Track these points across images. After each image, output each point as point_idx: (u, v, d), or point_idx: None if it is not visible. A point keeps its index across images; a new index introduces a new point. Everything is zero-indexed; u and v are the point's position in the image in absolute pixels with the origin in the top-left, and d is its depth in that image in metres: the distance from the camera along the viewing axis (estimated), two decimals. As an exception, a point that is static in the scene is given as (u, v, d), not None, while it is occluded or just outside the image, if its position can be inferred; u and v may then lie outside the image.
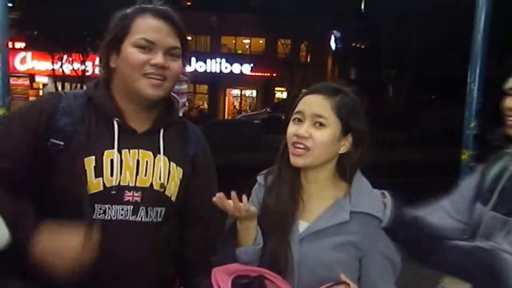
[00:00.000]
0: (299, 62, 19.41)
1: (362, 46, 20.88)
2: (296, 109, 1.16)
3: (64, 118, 1.15)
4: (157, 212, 1.19)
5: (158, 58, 1.14)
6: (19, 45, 17.62)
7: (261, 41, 23.01)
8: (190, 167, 1.24)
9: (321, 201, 1.16)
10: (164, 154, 1.20)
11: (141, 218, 1.17)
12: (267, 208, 1.16)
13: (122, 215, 1.15)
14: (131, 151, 1.17)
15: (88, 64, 16.93)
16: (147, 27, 1.15)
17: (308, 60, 19.72)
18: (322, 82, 1.19)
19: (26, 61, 17.83)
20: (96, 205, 1.13)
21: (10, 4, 4.58)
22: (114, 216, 1.14)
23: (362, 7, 19.18)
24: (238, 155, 9.74)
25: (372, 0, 18.02)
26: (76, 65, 17.06)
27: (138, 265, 1.17)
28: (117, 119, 1.17)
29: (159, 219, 1.20)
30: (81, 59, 16.84)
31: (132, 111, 1.19)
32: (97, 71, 17.19)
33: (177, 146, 1.24)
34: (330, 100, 1.13)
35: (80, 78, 16.44)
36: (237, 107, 24.81)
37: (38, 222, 1.05)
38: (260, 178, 1.24)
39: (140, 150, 1.18)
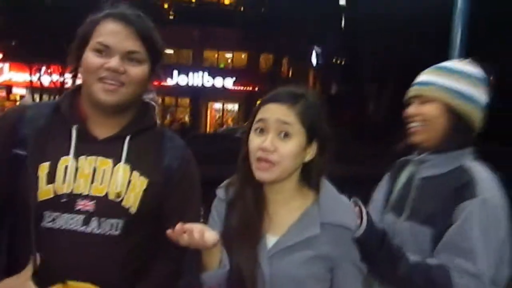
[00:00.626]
0: (281, 77, 19.57)
1: (343, 62, 21.20)
2: (258, 117, 1.10)
3: (27, 128, 1.12)
4: (112, 224, 1.11)
5: (112, 62, 1.10)
6: (-3, 55, 17.29)
7: (243, 56, 23.12)
8: (160, 178, 1.16)
9: (288, 213, 1.11)
10: (126, 162, 1.14)
11: (93, 229, 1.09)
12: (230, 224, 1.11)
13: (71, 224, 1.09)
14: (88, 158, 1.12)
15: (67, 76, 16.63)
16: (106, 31, 1.13)
17: (290, 74, 19.89)
18: (281, 88, 1.14)
19: (3, 72, 17.46)
20: (45, 212, 1.08)
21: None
22: (63, 225, 1.08)
23: (342, 23, 19.54)
24: (220, 167, 9.68)
25: (352, 17, 18.37)
26: (55, 77, 16.78)
27: (88, 281, 1.08)
28: (76, 125, 1.13)
29: (116, 232, 1.11)
30: (60, 70, 16.57)
31: (96, 117, 1.15)
32: (76, 83, 16.90)
33: (147, 154, 1.17)
34: (293, 108, 1.08)
35: (59, 90, 16.15)
36: (218, 121, 24.76)
37: None
38: (220, 192, 1.17)
39: (98, 157, 1.13)
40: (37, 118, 1.14)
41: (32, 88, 17.50)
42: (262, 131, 1.09)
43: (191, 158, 1.24)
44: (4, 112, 1.23)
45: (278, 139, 1.07)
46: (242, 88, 22.38)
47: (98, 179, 1.11)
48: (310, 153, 1.11)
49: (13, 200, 1.10)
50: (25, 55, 16.11)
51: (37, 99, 16.94)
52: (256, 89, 22.00)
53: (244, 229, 1.08)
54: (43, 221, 1.08)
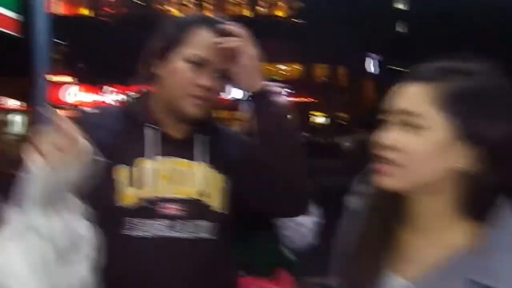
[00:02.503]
0: (337, 87, 19.29)
1: (402, 69, 20.53)
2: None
3: (102, 132, 1.06)
4: (198, 226, 1.05)
5: (206, 79, 1.05)
6: (68, 78, 18.60)
7: (297, 67, 23.11)
8: (233, 173, 1.11)
9: (430, 249, 0.72)
10: (203, 161, 1.09)
11: (180, 233, 1.03)
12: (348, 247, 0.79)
13: (157, 230, 1.03)
14: (166, 159, 1.07)
15: (129, 94, 17.57)
16: (204, 42, 1.06)
17: (346, 84, 19.56)
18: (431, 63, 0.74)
19: (74, 94, 18.69)
20: (127, 219, 1.02)
21: (58, 40, 4.88)
22: (148, 231, 1.02)
23: (401, 29, 18.95)
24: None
25: (411, 21, 17.77)
26: (118, 96, 17.75)
27: (181, 286, 1.04)
28: (150, 125, 1.08)
29: (204, 234, 1.06)
30: (123, 89, 17.53)
31: (167, 119, 1.10)
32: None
33: (218, 152, 1.12)
34: (430, 88, 0.69)
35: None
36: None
37: None
38: (351, 201, 0.83)
39: (176, 158, 1.08)
40: (108, 123, 1.10)
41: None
42: (386, 123, 0.74)
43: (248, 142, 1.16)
44: (77, 117, 1.18)
45: (403, 132, 0.70)
46: (296, 99, 22.33)
47: (179, 181, 1.06)
48: (466, 158, 0.68)
49: (95, 208, 1.03)
50: (93, 77, 17.23)
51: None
52: (311, 100, 21.86)
53: (363, 262, 0.75)
54: (126, 228, 1.02)
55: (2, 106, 14.98)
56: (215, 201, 1.08)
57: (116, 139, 1.06)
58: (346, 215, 0.83)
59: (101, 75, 16.91)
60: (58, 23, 4.94)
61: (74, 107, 19.79)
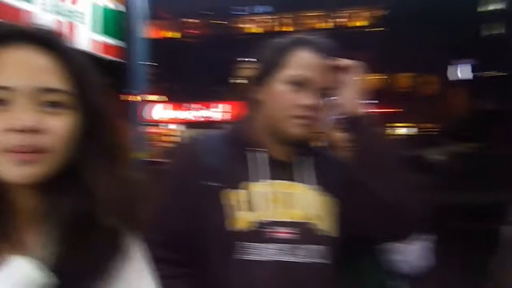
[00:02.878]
0: (422, 96, 18.37)
1: (495, 75, 18.97)
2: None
3: (209, 158, 1.07)
4: (315, 251, 1.04)
5: (310, 100, 1.04)
6: (155, 97, 19.92)
7: (381, 76, 22.42)
8: (340, 196, 1.09)
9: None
10: (313, 184, 1.08)
11: (297, 258, 1.02)
12: None
13: (272, 254, 1.01)
14: (278, 182, 1.06)
15: (214, 110, 18.34)
16: (303, 62, 1.05)
17: (432, 92, 18.55)
18: None
19: (162, 111, 19.93)
20: (241, 243, 1.00)
21: (149, 63, 5.29)
22: (263, 256, 1.00)
23: (489, 33, 17.60)
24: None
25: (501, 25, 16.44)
26: (203, 113, 18.59)
27: None
28: (256, 148, 1.08)
29: (320, 260, 1.04)
30: (207, 107, 18.33)
31: (271, 142, 1.10)
32: (220, 116, 18.64)
33: (325, 174, 1.10)
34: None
35: (206, 124, 17.83)
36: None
37: None
38: None
39: (286, 182, 1.07)
40: (217, 148, 1.10)
41: (186, 123, 19.63)
42: None
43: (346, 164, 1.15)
44: (181, 144, 1.23)
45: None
46: (380, 110, 21.59)
47: (289, 204, 1.05)
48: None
49: (204, 233, 1.04)
50: (178, 95, 18.28)
51: (191, 133, 18.89)
52: (395, 110, 21.02)
53: None
54: (242, 253, 1.01)
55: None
56: (326, 225, 1.06)
57: (224, 163, 1.06)
58: (502, 244, 0.86)
59: (186, 93, 17.87)
60: (149, 46, 5.33)
61: (160, 124, 21.14)
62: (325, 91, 1.07)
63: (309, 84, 1.04)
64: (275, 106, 1.06)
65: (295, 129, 1.05)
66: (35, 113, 0.60)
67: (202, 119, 18.45)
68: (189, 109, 18.87)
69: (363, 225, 1.08)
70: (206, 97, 18.13)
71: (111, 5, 4.95)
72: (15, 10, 3.47)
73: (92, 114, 0.65)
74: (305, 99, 1.04)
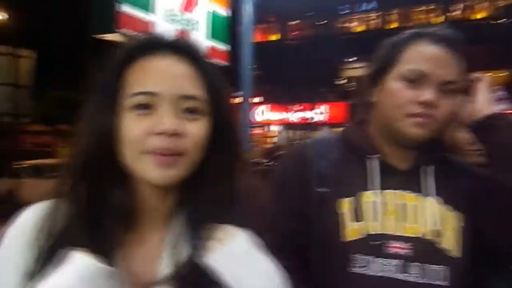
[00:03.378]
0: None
1: None
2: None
3: (322, 162, 1.02)
4: (435, 272, 0.92)
5: (428, 95, 0.93)
6: (257, 99, 20.40)
7: (504, 73, 20.25)
8: (470, 210, 0.97)
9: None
10: (435, 196, 0.96)
11: (415, 277, 0.92)
12: None
13: (390, 270, 0.92)
14: (393, 192, 0.97)
15: (315, 111, 18.18)
16: (420, 56, 0.96)
17: None
18: None
19: (263, 113, 20.36)
20: (354, 255, 0.94)
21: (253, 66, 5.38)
22: (378, 272, 0.93)
23: None
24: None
25: None
26: (304, 114, 18.54)
27: None
28: (372, 155, 1.00)
29: (442, 282, 0.92)
30: (309, 108, 18.23)
31: (389, 148, 1.01)
32: (320, 118, 18.45)
33: (451, 185, 0.98)
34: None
35: (306, 125, 17.75)
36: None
37: None
38: None
39: (403, 192, 0.97)
40: (328, 153, 1.04)
41: (284, 125, 19.78)
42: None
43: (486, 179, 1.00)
44: (292, 149, 1.18)
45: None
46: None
47: (409, 217, 0.96)
48: None
49: (312, 240, 0.99)
50: (280, 97, 18.48)
51: (290, 134, 19.01)
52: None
53: None
54: (353, 266, 0.94)
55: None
56: (450, 243, 0.94)
57: (337, 170, 1.00)
58: None
59: (287, 94, 17.99)
60: (255, 50, 5.40)
61: (264, 125, 21.61)
62: (446, 87, 0.94)
63: (427, 79, 0.94)
64: (390, 105, 0.97)
65: (412, 129, 0.94)
66: (176, 118, 0.64)
67: (305, 121, 18.43)
68: (292, 111, 18.98)
69: (498, 242, 0.94)
70: (309, 98, 18.06)
71: (222, 12, 5.12)
72: (139, 21, 3.75)
73: (221, 120, 0.68)
74: (422, 95, 0.93)
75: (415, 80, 0.94)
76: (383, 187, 0.98)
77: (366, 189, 0.97)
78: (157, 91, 0.64)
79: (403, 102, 0.95)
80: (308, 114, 18.46)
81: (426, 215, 0.95)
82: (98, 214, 0.64)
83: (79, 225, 0.63)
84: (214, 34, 5.07)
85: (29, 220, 0.66)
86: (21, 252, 0.64)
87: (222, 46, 5.18)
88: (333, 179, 1.00)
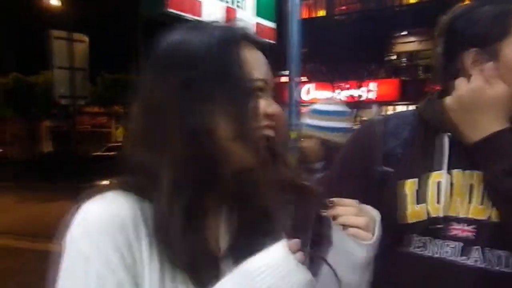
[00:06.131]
0: None
1: None
2: None
3: (392, 141, 1.00)
4: (499, 257, 0.89)
5: None
6: (303, 78, 20.12)
7: None
8: None
9: None
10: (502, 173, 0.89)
11: (476, 261, 0.89)
12: None
13: (447, 252, 0.91)
14: (465, 172, 0.93)
15: (363, 89, 17.68)
16: None
17: None
18: None
19: (309, 92, 20.07)
20: (412, 236, 0.93)
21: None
22: (437, 253, 0.91)
23: None
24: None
25: None
26: (353, 92, 18.07)
27: None
28: (447, 134, 0.95)
29: (505, 269, 0.88)
30: (358, 85, 17.74)
31: (471, 123, 0.93)
32: (369, 96, 17.91)
33: None
34: None
35: (356, 103, 17.33)
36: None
37: None
38: None
39: (476, 172, 0.92)
40: (400, 130, 1.01)
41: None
42: None
43: None
44: (361, 127, 1.17)
45: None
46: None
47: (477, 199, 0.92)
48: None
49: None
50: (327, 75, 18.10)
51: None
52: None
53: None
54: (410, 246, 0.94)
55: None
56: None
57: (406, 149, 0.97)
58: None
59: (334, 72, 17.57)
60: (302, 27, 5.29)
61: (309, 103, 21.38)
62: None
63: None
64: (507, 73, 0.89)
65: None
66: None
67: (353, 99, 18.01)
68: (338, 89, 18.57)
69: None
70: (357, 76, 17.57)
71: (268, -12, 5.05)
72: (187, 1, 3.79)
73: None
74: None
75: None
76: (452, 167, 0.94)
77: (432, 169, 0.94)
78: (266, 77, 0.71)
79: None
80: (356, 93, 17.98)
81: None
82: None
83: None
84: (261, 11, 5.02)
85: (115, 215, 0.61)
86: (118, 250, 0.59)
87: (269, 24, 5.12)
88: (401, 159, 0.97)
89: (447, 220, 0.92)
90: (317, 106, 2.09)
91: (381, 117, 1.11)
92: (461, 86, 0.93)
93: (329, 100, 2.21)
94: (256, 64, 0.69)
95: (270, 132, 0.68)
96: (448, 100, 0.96)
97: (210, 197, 0.66)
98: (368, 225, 0.76)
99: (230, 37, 0.69)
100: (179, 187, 0.62)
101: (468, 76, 0.94)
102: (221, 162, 0.64)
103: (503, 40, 0.92)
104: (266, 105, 0.69)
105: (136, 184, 0.65)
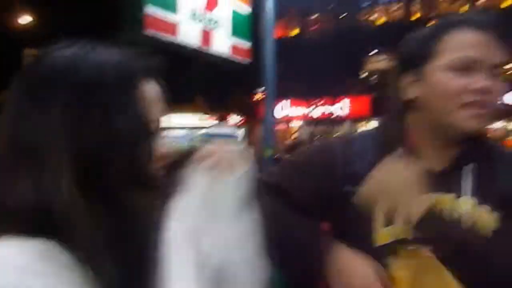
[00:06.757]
0: None
1: None
2: None
3: (356, 163, 1.00)
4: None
5: (482, 81, 0.90)
6: (283, 95, 20.29)
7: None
8: (504, 210, 0.94)
9: None
10: (469, 195, 0.93)
11: None
12: None
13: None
14: (427, 195, 0.93)
15: (337, 106, 18.02)
16: (465, 42, 0.92)
17: None
18: None
19: (284, 108, 20.28)
20: (382, 260, 0.94)
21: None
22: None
23: None
24: None
25: None
26: (325, 108, 18.39)
27: None
28: (412, 158, 0.95)
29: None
30: (331, 102, 18.06)
31: (431, 147, 0.98)
32: (342, 112, 18.24)
33: (488, 182, 0.95)
34: None
35: (327, 120, 17.64)
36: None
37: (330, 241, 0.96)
38: None
39: (438, 194, 0.94)
40: (364, 152, 1.01)
41: (306, 120, 19.67)
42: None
43: None
44: (328, 143, 1.16)
45: None
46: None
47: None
48: None
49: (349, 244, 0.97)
50: (301, 92, 18.38)
51: (312, 130, 18.92)
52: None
53: None
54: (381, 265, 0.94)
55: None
56: (477, 246, 0.91)
57: (370, 170, 0.96)
58: None
59: (308, 89, 17.87)
60: (277, 46, 5.43)
61: (284, 121, 21.55)
62: (495, 70, 0.92)
63: (477, 65, 0.91)
64: (439, 98, 0.93)
65: (467, 122, 0.91)
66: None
67: (325, 116, 18.31)
68: (312, 106, 18.86)
69: None
70: (330, 93, 17.91)
71: (243, 9, 5.17)
72: (164, 22, 3.85)
73: None
74: (475, 82, 0.90)
75: (465, 68, 0.91)
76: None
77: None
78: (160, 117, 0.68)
79: (456, 92, 0.91)
80: (329, 109, 18.31)
81: (461, 217, 0.92)
82: None
83: None
84: (236, 31, 5.13)
85: None
86: None
87: (244, 44, 5.23)
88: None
89: (416, 242, 0.93)
90: (208, 130, 2.10)
91: (343, 138, 1.14)
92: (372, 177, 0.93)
93: (220, 124, 2.27)
94: (153, 103, 0.65)
95: (162, 171, 0.67)
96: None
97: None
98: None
99: (129, 70, 0.64)
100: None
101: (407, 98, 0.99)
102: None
103: (428, 63, 0.95)
104: (160, 145, 0.66)
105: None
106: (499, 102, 0.94)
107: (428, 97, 0.95)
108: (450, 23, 0.96)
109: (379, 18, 21.33)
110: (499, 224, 0.93)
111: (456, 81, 0.91)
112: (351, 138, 1.11)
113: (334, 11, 21.74)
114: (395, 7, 21.18)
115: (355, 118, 17.22)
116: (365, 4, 21.79)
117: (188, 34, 4.08)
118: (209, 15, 4.43)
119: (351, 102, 17.72)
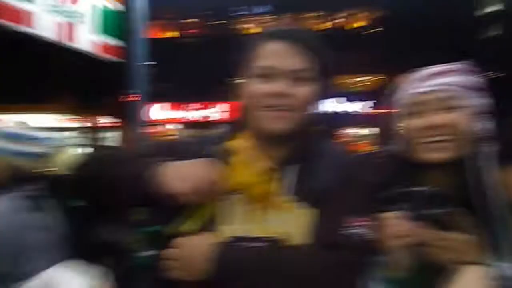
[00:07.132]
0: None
1: (496, 76, 19.02)
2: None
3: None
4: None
5: (277, 86, 0.99)
6: (155, 97, 19.78)
7: (380, 77, 22.39)
8: (318, 205, 1.00)
9: None
10: (289, 194, 1.00)
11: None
12: None
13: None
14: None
15: (212, 110, 18.27)
16: (266, 52, 1.01)
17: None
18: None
19: (159, 111, 19.87)
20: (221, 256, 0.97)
21: (152, 62, 5.27)
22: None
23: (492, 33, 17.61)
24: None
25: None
26: (201, 112, 18.53)
27: None
28: (228, 159, 1.03)
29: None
30: (206, 106, 18.24)
31: (260, 149, 1.04)
32: (216, 116, 18.57)
33: (306, 181, 1.01)
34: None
35: (203, 124, 17.81)
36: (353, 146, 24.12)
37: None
38: None
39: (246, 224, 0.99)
40: (195, 152, 1.05)
41: (182, 123, 19.55)
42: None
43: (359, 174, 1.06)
44: (157, 144, 1.20)
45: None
46: (381, 111, 21.59)
47: (264, 219, 0.99)
48: None
49: None
50: (177, 96, 18.21)
51: (189, 133, 18.85)
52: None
53: None
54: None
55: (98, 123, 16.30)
56: (297, 242, 0.98)
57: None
58: None
59: (185, 93, 17.80)
60: (148, 46, 5.29)
61: (159, 123, 21.12)
62: (296, 75, 1.00)
63: (276, 72, 0.99)
64: (250, 103, 1.03)
65: (268, 123, 1.00)
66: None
67: (201, 119, 18.42)
68: (187, 109, 18.81)
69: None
70: (205, 97, 18.08)
71: (111, 6, 4.93)
72: (16, 11, 3.45)
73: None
74: (272, 87, 0.99)
75: (267, 75, 1.00)
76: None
77: (232, 192, 1.00)
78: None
79: (259, 97, 1.00)
80: (204, 113, 18.49)
81: (280, 217, 0.98)
82: None
83: None
84: (105, 29, 4.87)
85: None
86: None
87: (113, 42, 4.99)
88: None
89: (246, 240, 0.98)
90: (6, 130, 1.96)
91: (184, 139, 1.20)
92: None
93: (20, 124, 2.09)
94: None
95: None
96: None
97: None
98: None
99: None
100: None
101: None
102: None
103: (245, 72, 1.04)
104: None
105: None
106: (306, 106, 1.01)
107: (245, 103, 1.05)
108: (259, 37, 1.05)
109: (253, 28, 22.27)
110: (315, 219, 0.99)
111: (259, 87, 1.00)
112: (188, 140, 1.16)
113: (211, 18, 22.06)
114: (267, 18, 22.37)
115: (228, 122, 17.64)
116: (240, 13, 22.58)
117: (45, 26, 3.73)
118: (70, 7, 4.12)
119: (224, 106, 18.13)
